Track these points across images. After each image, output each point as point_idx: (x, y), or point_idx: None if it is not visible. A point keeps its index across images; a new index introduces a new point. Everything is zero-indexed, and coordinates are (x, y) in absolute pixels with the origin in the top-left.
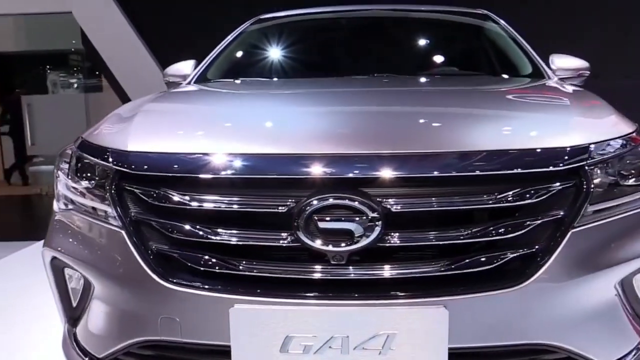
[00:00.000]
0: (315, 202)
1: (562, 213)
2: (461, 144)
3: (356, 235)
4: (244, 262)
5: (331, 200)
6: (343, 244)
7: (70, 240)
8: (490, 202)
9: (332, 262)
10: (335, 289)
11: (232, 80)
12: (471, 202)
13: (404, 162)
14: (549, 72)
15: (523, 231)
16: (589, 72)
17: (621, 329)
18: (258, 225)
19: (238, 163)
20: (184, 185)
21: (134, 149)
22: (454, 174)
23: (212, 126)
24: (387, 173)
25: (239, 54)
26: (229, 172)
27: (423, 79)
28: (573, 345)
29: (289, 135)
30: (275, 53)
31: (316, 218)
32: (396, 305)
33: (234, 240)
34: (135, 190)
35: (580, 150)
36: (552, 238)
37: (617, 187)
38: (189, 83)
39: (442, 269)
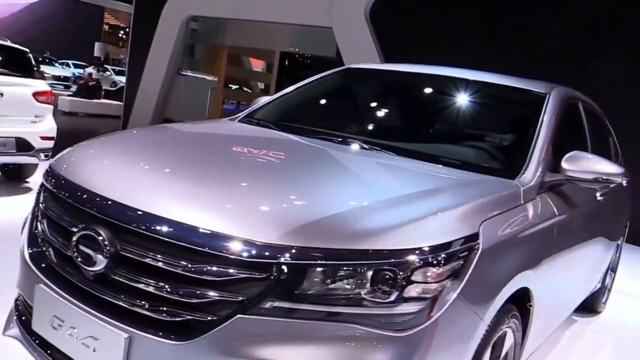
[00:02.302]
0: (81, 229)
1: (239, 298)
2: (187, 215)
3: (93, 260)
4: (52, 256)
5: (84, 232)
6: (86, 264)
7: None
8: (183, 269)
9: (84, 274)
10: (83, 296)
11: (257, 121)
12: (170, 265)
13: (140, 220)
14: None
15: (197, 300)
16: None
17: None
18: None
19: (74, 191)
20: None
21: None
22: (160, 237)
23: (93, 161)
24: (127, 223)
25: (300, 98)
26: (63, 194)
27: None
28: None
29: (112, 179)
30: (327, 103)
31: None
32: (104, 321)
33: (54, 241)
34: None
35: (276, 249)
36: (225, 315)
37: (328, 295)
38: (233, 119)
39: (132, 306)
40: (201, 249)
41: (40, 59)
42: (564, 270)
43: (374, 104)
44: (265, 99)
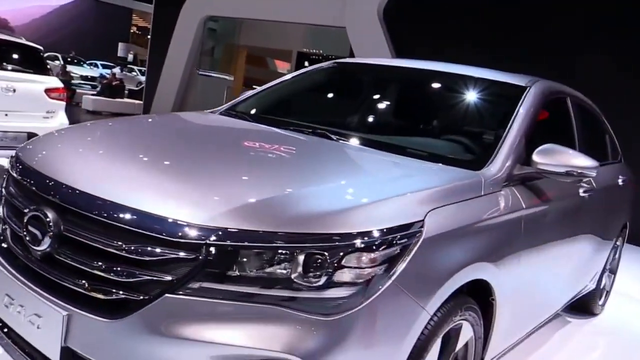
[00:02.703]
0: (31, 210)
1: (169, 278)
2: (128, 198)
3: (39, 239)
4: (8, 238)
5: (33, 213)
6: (33, 244)
7: None
8: (117, 249)
9: (32, 254)
10: (30, 275)
11: (234, 113)
12: (106, 245)
13: (81, 201)
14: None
15: (130, 279)
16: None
17: None
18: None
19: (28, 175)
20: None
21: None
22: (97, 217)
23: (51, 148)
24: (69, 204)
25: (282, 92)
26: (20, 178)
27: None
28: None
29: (61, 164)
30: (306, 97)
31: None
32: (47, 299)
33: (10, 223)
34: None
35: (204, 230)
36: (155, 294)
37: (253, 277)
38: (215, 111)
39: (71, 285)
40: (134, 229)
41: (68, 59)
42: (538, 267)
43: (350, 98)
44: (249, 92)
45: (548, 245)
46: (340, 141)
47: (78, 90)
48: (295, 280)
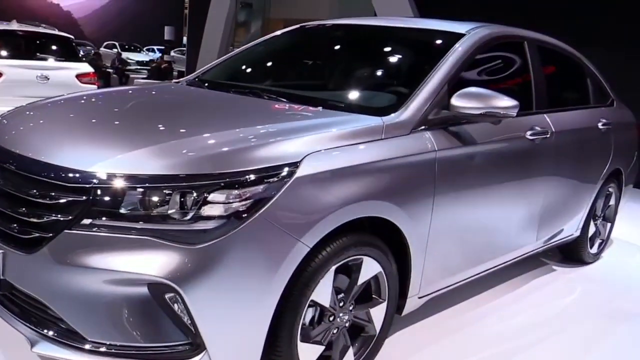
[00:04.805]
0: None
1: (68, 217)
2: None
3: None
4: None
5: None
6: None
7: None
8: (31, 196)
9: None
10: None
11: (194, 80)
12: (25, 194)
13: (7, 159)
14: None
15: (40, 220)
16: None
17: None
18: None
19: None
20: None
21: None
22: (18, 171)
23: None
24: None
25: (249, 56)
26: None
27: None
28: (54, 307)
29: (8, 131)
30: (259, 61)
31: None
32: None
33: None
34: None
35: (90, 175)
36: (58, 231)
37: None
38: (181, 81)
39: (5, 228)
40: (41, 178)
41: (126, 46)
42: (468, 209)
43: (292, 60)
44: (215, 62)
45: (481, 189)
46: (268, 99)
47: (132, 75)
48: (170, 215)
